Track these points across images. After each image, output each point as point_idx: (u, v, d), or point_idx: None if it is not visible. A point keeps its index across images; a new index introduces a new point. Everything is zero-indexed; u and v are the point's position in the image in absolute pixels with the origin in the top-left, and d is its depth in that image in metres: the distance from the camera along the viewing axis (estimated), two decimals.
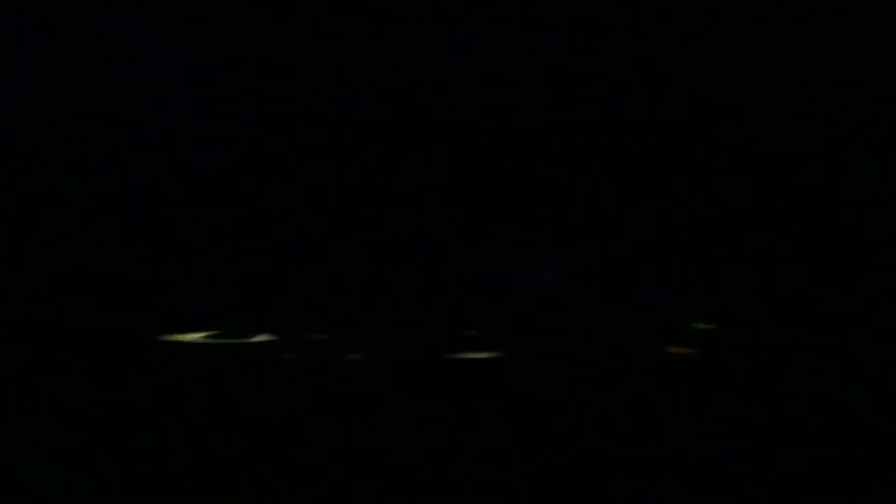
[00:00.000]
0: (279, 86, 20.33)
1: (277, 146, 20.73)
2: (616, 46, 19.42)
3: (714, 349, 15.61)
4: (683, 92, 19.23)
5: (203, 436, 10.66)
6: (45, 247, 16.93)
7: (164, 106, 18.93)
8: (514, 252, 17.97)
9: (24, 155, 16.75)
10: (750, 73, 17.84)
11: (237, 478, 8.97)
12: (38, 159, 16.93)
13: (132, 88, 17.82)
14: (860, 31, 17.34)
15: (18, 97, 16.60)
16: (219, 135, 20.69)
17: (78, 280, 17.00)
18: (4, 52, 16.48)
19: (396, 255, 17.43)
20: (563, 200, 21.07)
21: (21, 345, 15.47)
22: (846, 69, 17.52)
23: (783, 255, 18.27)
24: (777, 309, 17.78)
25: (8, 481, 9.04)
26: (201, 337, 17.66)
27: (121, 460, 9.58)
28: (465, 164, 21.22)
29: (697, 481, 8.71)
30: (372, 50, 20.00)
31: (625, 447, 9.71)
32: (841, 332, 15.57)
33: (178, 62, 18.93)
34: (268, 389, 13.51)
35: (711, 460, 9.21)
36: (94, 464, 9.47)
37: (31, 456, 9.74)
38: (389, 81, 20.26)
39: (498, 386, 13.80)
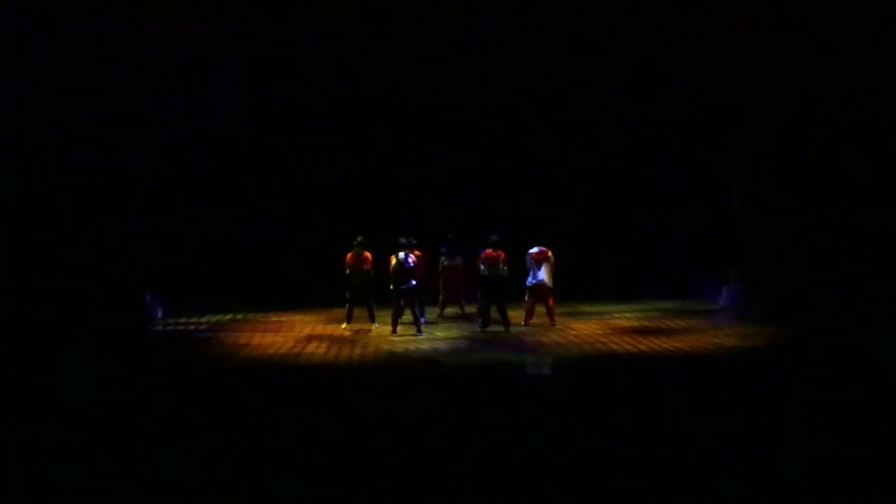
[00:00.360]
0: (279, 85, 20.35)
1: (277, 145, 20.76)
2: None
3: (714, 348, 15.65)
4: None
5: (203, 435, 10.66)
6: (45, 247, 16.92)
7: (163, 106, 18.94)
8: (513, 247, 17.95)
9: (23, 155, 16.74)
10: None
11: (237, 478, 8.97)
12: (38, 160, 16.92)
13: (132, 88, 17.82)
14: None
15: (18, 97, 16.59)
16: (218, 134, 20.70)
17: (77, 280, 16.98)
18: (4, 53, 16.46)
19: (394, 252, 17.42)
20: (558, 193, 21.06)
21: (21, 345, 15.47)
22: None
23: (783, 255, 18.27)
24: (777, 308, 17.79)
25: (8, 481, 9.04)
26: (200, 336, 17.65)
27: (121, 460, 9.57)
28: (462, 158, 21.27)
29: (697, 481, 8.72)
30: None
31: (625, 447, 9.71)
32: (841, 330, 15.58)
33: (178, 62, 18.94)
34: (267, 389, 13.51)
35: (712, 460, 9.21)
36: (93, 464, 9.46)
37: (32, 456, 9.73)
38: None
39: (498, 386, 13.80)
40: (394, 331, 16.90)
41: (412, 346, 15.88)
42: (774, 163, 18.11)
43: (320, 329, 17.81)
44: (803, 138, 17.76)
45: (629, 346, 15.35)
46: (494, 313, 17.17)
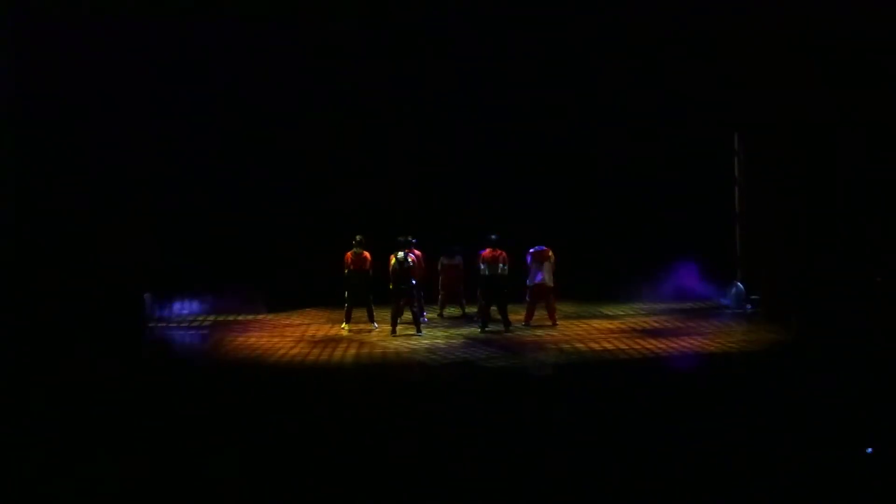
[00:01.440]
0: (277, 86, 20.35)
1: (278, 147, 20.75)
2: None
3: (716, 348, 15.65)
4: None
5: (202, 435, 10.66)
6: (45, 247, 16.92)
7: (163, 106, 18.93)
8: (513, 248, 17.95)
9: (23, 155, 16.74)
10: None
11: (237, 477, 8.97)
12: (38, 159, 16.91)
13: (132, 88, 17.81)
14: None
15: (19, 97, 16.58)
16: (218, 134, 20.68)
17: (77, 280, 16.98)
18: (4, 52, 16.46)
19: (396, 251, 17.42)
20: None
21: (21, 345, 15.47)
22: None
23: (784, 255, 18.28)
24: (778, 308, 17.79)
25: (8, 481, 9.05)
26: (199, 336, 17.65)
27: (121, 460, 9.58)
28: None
29: (697, 481, 8.72)
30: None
31: (625, 447, 9.71)
32: (842, 332, 15.58)
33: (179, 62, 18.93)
34: (266, 389, 13.52)
35: (712, 460, 9.21)
36: (93, 464, 9.47)
37: (32, 456, 9.74)
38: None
39: (498, 387, 13.81)
40: (393, 331, 16.88)
41: (409, 347, 15.84)
42: (774, 163, 18.11)
43: (314, 329, 17.76)
44: (803, 138, 17.78)
45: (630, 347, 15.36)
46: (495, 313, 17.28)
